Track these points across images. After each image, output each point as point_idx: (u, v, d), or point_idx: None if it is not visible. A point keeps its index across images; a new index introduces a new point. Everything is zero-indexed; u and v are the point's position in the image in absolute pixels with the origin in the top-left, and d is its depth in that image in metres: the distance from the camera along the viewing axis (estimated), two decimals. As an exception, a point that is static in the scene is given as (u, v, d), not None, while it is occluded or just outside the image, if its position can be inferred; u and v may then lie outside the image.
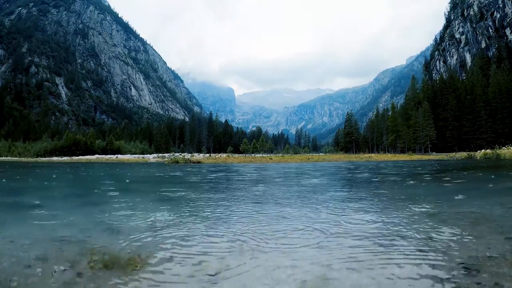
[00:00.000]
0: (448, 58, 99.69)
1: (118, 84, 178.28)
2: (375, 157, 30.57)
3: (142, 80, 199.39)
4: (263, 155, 49.07)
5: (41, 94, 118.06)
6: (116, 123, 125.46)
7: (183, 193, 4.86)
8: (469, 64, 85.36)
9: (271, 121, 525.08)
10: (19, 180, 8.44)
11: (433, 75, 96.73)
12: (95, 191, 5.43)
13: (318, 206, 3.31)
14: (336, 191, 5.06)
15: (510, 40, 77.72)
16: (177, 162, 21.33)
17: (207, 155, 43.84)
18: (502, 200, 3.64)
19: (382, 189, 5.09)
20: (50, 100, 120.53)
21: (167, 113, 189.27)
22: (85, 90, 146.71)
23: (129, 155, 48.15)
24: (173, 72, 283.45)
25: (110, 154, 50.44)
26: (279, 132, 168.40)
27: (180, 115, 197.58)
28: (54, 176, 9.99)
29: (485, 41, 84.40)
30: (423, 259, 1.58)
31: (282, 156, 39.38)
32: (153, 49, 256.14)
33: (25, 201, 4.01)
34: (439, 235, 2.08)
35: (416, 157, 31.06)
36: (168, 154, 42.30)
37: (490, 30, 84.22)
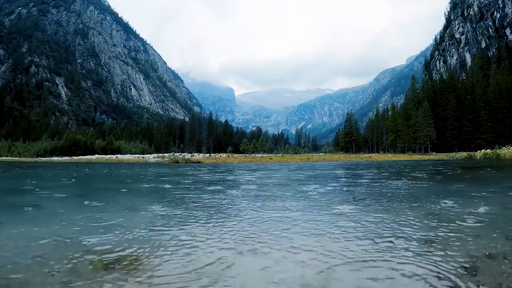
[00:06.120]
0: (448, 58, 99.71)
1: (118, 84, 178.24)
2: (376, 157, 30.56)
3: (142, 80, 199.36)
4: (263, 155, 49.06)
5: (41, 94, 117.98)
6: (116, 123, 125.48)
7: (183, 193, 4.86)
8: (469, 64, 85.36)
9: (271, 121, 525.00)
10: (18, 180, 8.44)
11: (433, 75, 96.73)
12: (95, 191, 5.43)
13: (317, 205, 3.30)
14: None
15: (510, 40, 77.75)
16: (177, 162, 21.34)
17: (207, 155, 43.84)
18: (503, 200, 3.64)
19: (385, 188, 5.08)
20: (50, 100, 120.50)
21: (167, 113, 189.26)
22: (85, 90, 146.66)
23: (129, 155, 48.15)
24: (173, 72, 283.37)
25: (110, 154, 50.45)
26: (279, 132, 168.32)
27: (180, 115, 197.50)
28: (54, 176, 9.99)
29: (485, 41, 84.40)
30: (423, 259, 1.58)
31: (282, 156, 39.38)
32: (153, 49, 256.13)
33: (25, 201, 4.01)
34: (439, 234, 2.08)
35: (416, 157, 31.05)
36: (168, 154, 42.28)
37: (490, 30, 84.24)
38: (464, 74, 79.31)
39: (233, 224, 2.52)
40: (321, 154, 58.61)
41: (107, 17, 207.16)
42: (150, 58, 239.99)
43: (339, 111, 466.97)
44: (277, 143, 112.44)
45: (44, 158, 42.48)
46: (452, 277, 1.36)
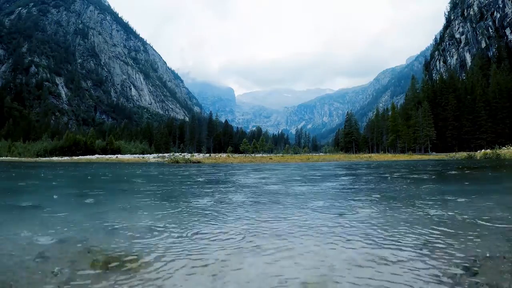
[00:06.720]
0: (448, 58, 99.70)
1: (118, 84, 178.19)
2: (376, 157, 30.55)
3: (142, 80, 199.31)
4: (263, 155, 49.05)
5: (41, 94, 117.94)
6: (116, 123, 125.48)
7: (183, 193, 4.86)
8: (469, 64, 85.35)
9: (271, 121, 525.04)
10: (18, 180, 8.44)
11: (433, 75, 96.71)
12: (95, 191, 5.43)
13: (321, 205, 3.30)
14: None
15: (510, 40, 77.74)
16: (177, 162, 21.34)
17: (207, 155, 43.84)
18: (503, 200, 3.64)
19: (384, 186, 5.08)
20: (50, 100, 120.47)
21: (167, 113, 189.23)
22: (85, 90, 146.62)
23: (129, 155, 48.14)
24: (173, 72, 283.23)
25: (110, 154, 50.43)
26: (279, 132, 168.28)
27: (180, 115, 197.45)
28: (54, 176, 9.99)
29: (485, 41, 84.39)
30: (423, 259, 1.58)
31: (282, 156, 39.37)
32: (153, 49, 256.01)
33: (25, 201, 4.01)
34: (439, 234, 2.08)
35: (416, 157, 31.05)
36: (168, 154, 42.27)
37: (490, 30, 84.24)
38: (464, 74, 79.30)
39: (233, 224, 2.52)
40: (321, 154, 58.59)
41: (107, 17, 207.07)
42: (150, 58, 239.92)
43: (339, 111, 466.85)
44: (277, 143, 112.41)
45: (44, 158, 42.47)
46: (452, 277, 1.36)
